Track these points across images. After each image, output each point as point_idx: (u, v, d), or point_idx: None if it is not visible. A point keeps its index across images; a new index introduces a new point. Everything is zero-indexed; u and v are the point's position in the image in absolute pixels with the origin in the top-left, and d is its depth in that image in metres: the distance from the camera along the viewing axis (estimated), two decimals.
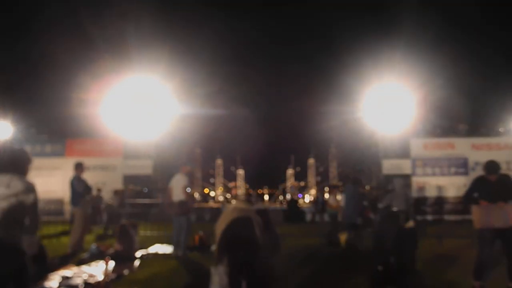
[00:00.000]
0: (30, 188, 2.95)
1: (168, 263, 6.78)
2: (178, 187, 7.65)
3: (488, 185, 4.79)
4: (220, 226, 4.06)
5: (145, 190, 17.83)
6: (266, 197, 57.84)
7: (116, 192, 13.84)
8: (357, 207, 9.26)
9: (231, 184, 55.93)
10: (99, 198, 12.95)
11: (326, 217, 15.70)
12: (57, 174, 16.01)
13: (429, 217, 15.47)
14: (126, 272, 5.95)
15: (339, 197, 10.81)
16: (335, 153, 50.76)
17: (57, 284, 5.02)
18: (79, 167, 8.12)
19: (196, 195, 41.03)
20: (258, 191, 56.05)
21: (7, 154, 3.09)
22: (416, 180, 16.32)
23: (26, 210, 2.89)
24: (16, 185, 2.91)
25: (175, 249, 7.61)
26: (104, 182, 14.77)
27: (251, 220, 4.03)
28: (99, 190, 13.17)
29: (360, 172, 19.31)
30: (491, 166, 4.81)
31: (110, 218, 12.36)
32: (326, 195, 20.25)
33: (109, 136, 16.24)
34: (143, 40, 17.86)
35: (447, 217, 15.42)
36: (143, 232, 11.02)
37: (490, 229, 4.67)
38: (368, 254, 6.15)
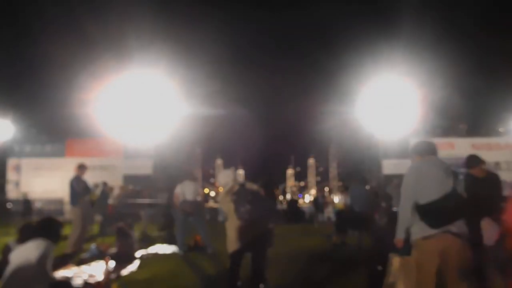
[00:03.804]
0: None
1: (168, 263, 6.78)
2: (189, 193, 7.77)
3: (476, 182, 4.49)
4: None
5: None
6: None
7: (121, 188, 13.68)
8: (367, 207, 9.21)
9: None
10: (106, 194, 12.16)
11: (323, 217, 15.73)
12: (57, 174, 16.02)
13: None
14: (126, 272, 5.95)
15: (336, 198, 10.85)
16: (335, 153, 50.86)
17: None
18: (81, 168, 8.11)
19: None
20: None
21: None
22: None
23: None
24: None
25: (179, 248, 7.73)
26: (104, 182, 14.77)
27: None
28: (105, 184, 12.28)
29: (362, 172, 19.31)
30: (471, 159, 4.57)
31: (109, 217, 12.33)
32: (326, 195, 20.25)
33: (109, 136, 16.24)
34: (143, 40, 17.88)
35: None
36: (144, 232, 11.02)
37: None
38: (368, 254, 6.15)
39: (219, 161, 56.90)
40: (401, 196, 3.40)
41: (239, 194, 3.99)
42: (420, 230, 3.24)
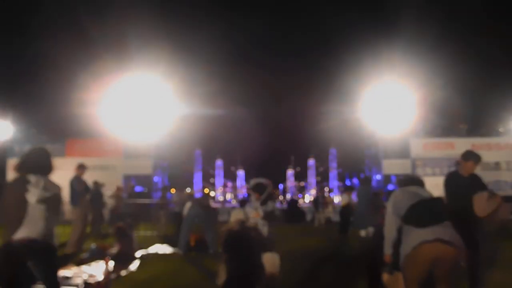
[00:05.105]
0: (61, 189, 3.37)
1: (167, 263, 6.79)
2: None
3: (461, 180, 4.46)
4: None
5: (145, 190, 17.86)
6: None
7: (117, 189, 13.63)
8: (369, 206, 9.31)
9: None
10: (98, 193, 11.77)
11: (322, 218, 15.74)
12: (57, 174, 15.97)
13: None
14: (126, 272, 5.95)
15: (336, 198, 10.94)
16: (335, 153, 50.80)
17: None
18: (80, 167, 8.13)
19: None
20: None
21: (33, 154, 3.36)
22: None
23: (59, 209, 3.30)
24: (54, 187, 3.29)
25: (180, 248, 7.76)
26: (104, 182, 14.75)
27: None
28: (97, 183, 11.76)
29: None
30: (465, 153, 4.54)
31: (111, 217, 12.34)
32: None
33: (109, 136, 16.23)
34: (143, 39, 17.87)
35: None
36: (143, 232, 11.03)
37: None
38: (370, 253, 6.14)
39: (219, 161, 56.82)
40: (385, 215, 3.56)
41: (232, 237, 4.09)
42: (409, 243, 3.24)
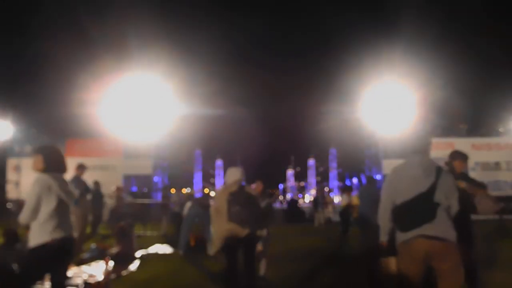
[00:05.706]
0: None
1: (168, 263, 6.79)
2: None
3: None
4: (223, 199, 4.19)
5: (145, 190, 17.87)
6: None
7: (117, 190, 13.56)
8: (374, 206, 9.26)
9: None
10: (98, 193, 11.17)
11: (322, 218, 15.76)
12: None
13: None
14: (126, 272, 5.95)
15: (336, 198, 10.90)
16: (335, 153, 50.83)
17: None
18: (80, 167, 8.11)
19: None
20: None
21: (54, 153, 3.29)
22: None
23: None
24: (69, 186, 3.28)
25: (179, 248, 7.76)
26: (104, 182, 14.70)
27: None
28: (97, 183, 11.23)
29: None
30: (452, 153, 4.50)
31: (111, 217, 12.31)
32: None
33: (109, 136, 16.23)
34: (143, 40, 17.87)
35: None
36: (143, 232, 11.03)
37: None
38: (369, 253, 6.15)
39: (219, 161, 56.78)
40: (380, 200, 3.40)
41: (235, 196, 4.12)
42: (398, 235, 3.19)
